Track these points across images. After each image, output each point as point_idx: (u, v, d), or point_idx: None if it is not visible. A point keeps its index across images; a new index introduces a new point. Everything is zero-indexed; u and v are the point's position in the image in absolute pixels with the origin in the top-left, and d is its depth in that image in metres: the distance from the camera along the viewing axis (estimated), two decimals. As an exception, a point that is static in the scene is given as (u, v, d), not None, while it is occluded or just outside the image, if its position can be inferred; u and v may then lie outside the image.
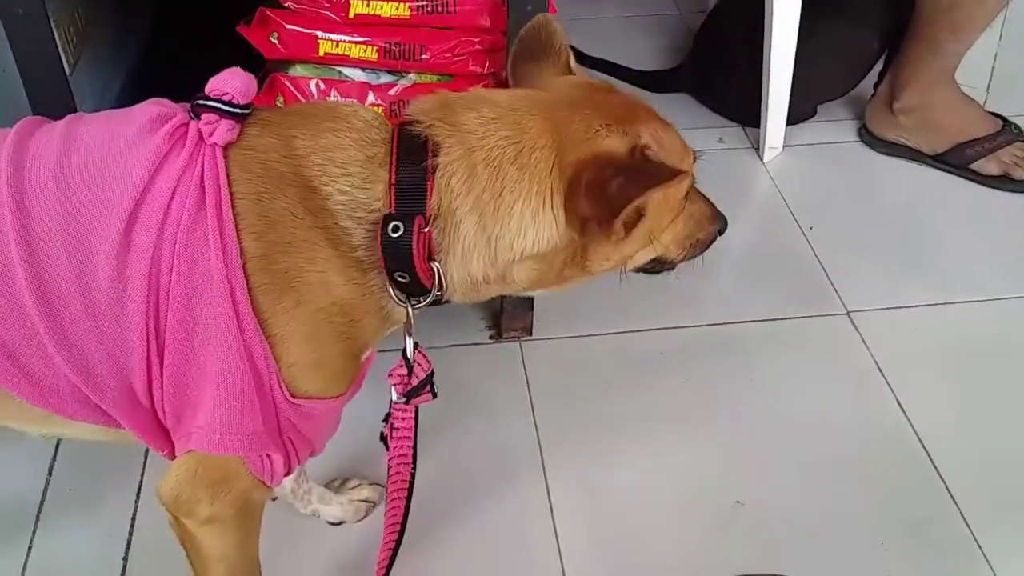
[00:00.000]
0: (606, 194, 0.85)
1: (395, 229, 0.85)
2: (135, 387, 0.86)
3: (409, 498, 0.95)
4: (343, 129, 0.88)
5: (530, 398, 1.53)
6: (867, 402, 1.54)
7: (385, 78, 1.42)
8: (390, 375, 0.99)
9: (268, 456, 0.90)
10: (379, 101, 1.40)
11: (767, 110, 2.03)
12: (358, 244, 0.87)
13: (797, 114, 2.10)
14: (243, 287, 0.83)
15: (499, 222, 0.88)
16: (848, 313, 1.71)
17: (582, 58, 2.38)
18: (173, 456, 0.92)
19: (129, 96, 1.65)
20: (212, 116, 0.85)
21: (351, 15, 1.35)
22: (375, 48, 1.37)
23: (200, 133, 0.85)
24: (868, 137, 2.14)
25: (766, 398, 1.55)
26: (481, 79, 1.39)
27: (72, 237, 0.82)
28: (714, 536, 1.33)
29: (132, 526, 1.32)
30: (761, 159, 2.09)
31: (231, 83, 0.87)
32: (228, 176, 0.84)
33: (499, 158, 0.87)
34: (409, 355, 0.97)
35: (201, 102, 0.86)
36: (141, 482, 1.38)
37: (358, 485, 1.36)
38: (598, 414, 1.51)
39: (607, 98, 0.94)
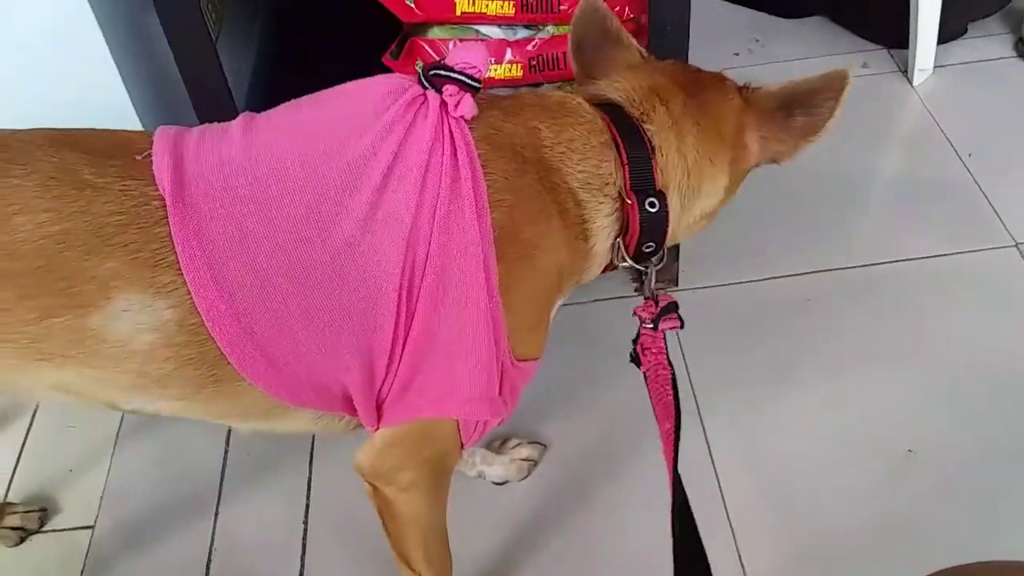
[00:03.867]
0: (790, 131, 0.98)
1: (652, 204, 0.93)
2: (374, 362, 0.86)
3: (676, 394, 0.95)
4: (578, 123, 0.94)
5: (680, 348, 1.51)
6: (1045, 340, 1.46)
7: (522, 33, 1.38)
8: (635, 311, 1.03)
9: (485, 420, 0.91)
10: (517, 58, 1.37)
11: (916, 28, 1.90)
12: (589, 216, 0.94)
13: (947, 32, 1.97)
14: (494, 257, 0.85)
15: (695, 195, 0.99)
16: (1016, 245, 1.61)
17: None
18: (376, 428, 0.93)
19: (264, 72, 1.68)
20: (454, 88, 0.86)
21: (486, -29, 1.32)
22: (511, 2, 1.34)
23: (442, 105, 0.86)
24: (1026, 51, 2.00)
25: (931, 341, 1.48)
26: (625, 25, 1.33)
27: (321, 215, 0.82)
28: (886, 486, 1.30)
29: (309, 489, 1.38)
30: (911, 83, 1.98)
31: (477, 56, 0.87)
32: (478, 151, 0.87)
33: (694, 141, 0.96)
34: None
35: (441, 73, 0.86)
36: (312, 448, 1.43)
37: (518, 444, 1.38)
38: (750, 363, 1.48)
39: (697, 73, 1.03)
